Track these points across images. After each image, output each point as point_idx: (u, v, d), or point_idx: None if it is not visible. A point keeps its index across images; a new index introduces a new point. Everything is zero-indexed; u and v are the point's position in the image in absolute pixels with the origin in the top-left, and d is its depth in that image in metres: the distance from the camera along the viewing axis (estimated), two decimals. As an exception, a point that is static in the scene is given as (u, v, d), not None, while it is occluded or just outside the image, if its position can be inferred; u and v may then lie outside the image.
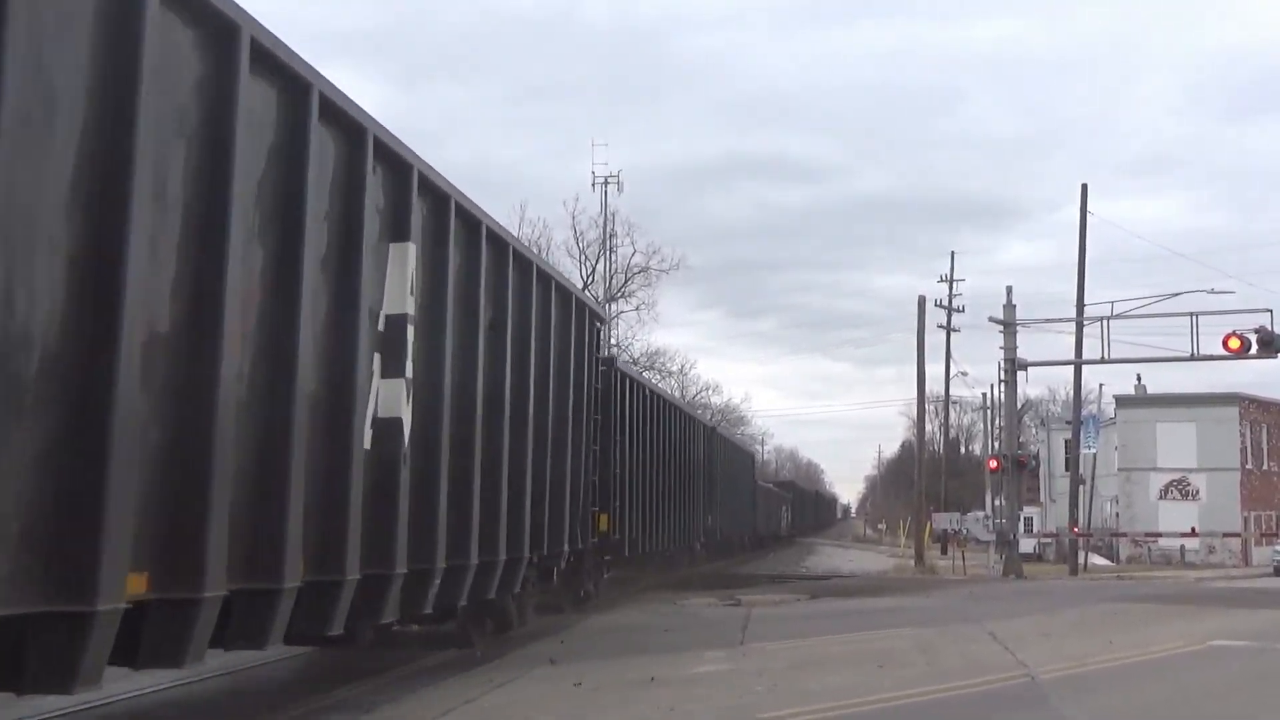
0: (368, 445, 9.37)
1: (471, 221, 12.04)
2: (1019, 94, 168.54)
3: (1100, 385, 63.21)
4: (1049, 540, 53.20)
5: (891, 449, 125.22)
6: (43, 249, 5.75)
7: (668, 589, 27.65)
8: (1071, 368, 41.97)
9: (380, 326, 9.71)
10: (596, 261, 54.96)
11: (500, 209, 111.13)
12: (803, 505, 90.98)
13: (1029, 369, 38.71)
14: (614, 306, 55.30)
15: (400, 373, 9.94)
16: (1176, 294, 35.99)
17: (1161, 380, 58.79)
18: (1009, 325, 37.53)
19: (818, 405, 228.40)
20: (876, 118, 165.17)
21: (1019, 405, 47.18)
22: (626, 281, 55.55)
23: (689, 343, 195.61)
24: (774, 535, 64.81)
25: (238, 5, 7.32)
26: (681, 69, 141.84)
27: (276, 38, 7.91)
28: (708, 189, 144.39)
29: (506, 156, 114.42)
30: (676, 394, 67.17)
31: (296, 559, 8.09)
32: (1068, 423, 50.84)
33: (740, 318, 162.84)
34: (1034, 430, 75.44)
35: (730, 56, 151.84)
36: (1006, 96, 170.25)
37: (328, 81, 8.79)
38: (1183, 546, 50.47)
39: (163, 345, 6.73)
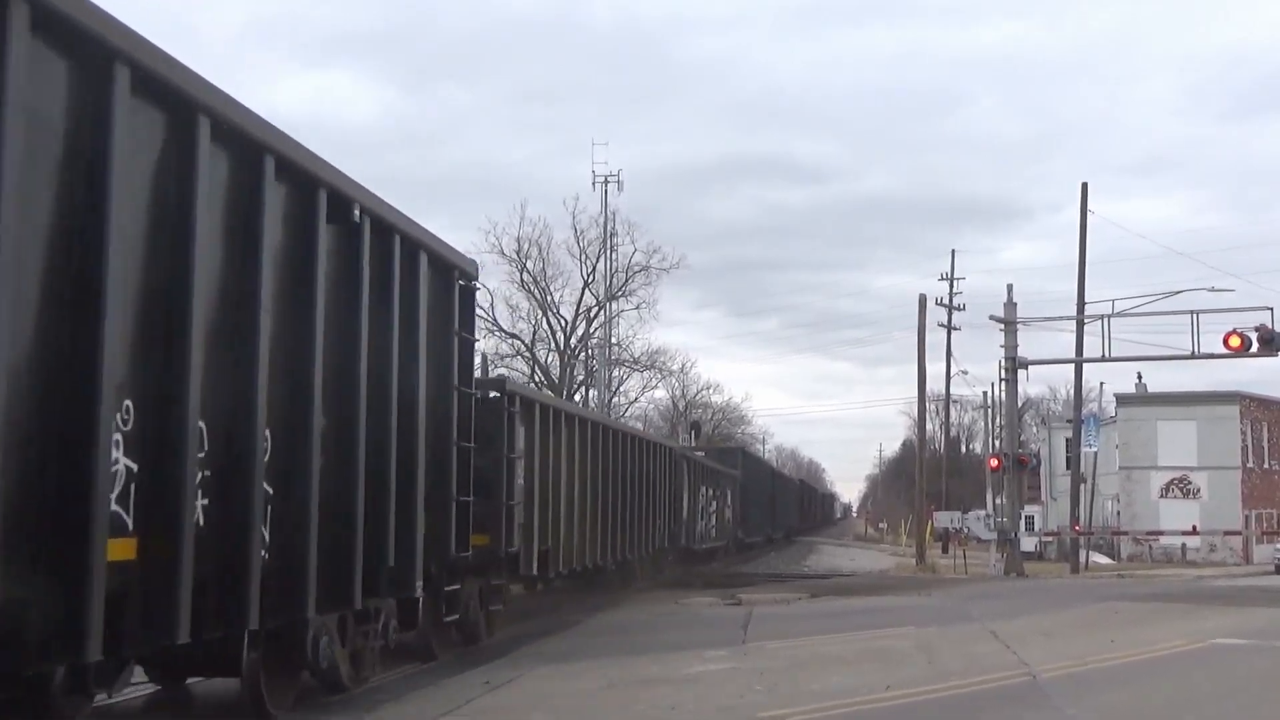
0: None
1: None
2: (1022, 95, 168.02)
3: (1101, 384, 63.20)
4: (1050, 539, 53.13)
5: (893, 448, 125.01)
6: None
7: (669, 588, 27.69)
8: (1072, 366, 41.93)
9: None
10: (597, 260, 54.94)
11: (502, 209, 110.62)
12: (769, 493, 54.54)
13: (1030, 367, 38.70)
14: (615, 305, 55.26)
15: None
16: (1177, 292, 35.97)
17: (1162, 379, 58.54)
18: (1009, 324, 37.52)
19: (819, 405, 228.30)
20: (880, 119, 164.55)
21: (1020, 404, 47.22)
22: (627, 280, 55.47)
23: (690, 342, 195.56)
24: (667, 549, 30.48)
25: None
26: (685, 71, 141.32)
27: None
28: (710, 189, 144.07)
29: (510, 157, 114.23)
30: (678, 392, 67.24)
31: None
32: (1068, 421, 50.80)
33: (742, 317, 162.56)
34: (1035, 429, 75.38)
35: (734, 58, 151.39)
36: (1010, 98, 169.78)
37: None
38: (1184, 545, 50.41)
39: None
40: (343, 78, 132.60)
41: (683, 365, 67.97)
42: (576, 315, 55.66)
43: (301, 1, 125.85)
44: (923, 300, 47.05)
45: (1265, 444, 56.88)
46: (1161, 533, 49.68)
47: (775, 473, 65.80)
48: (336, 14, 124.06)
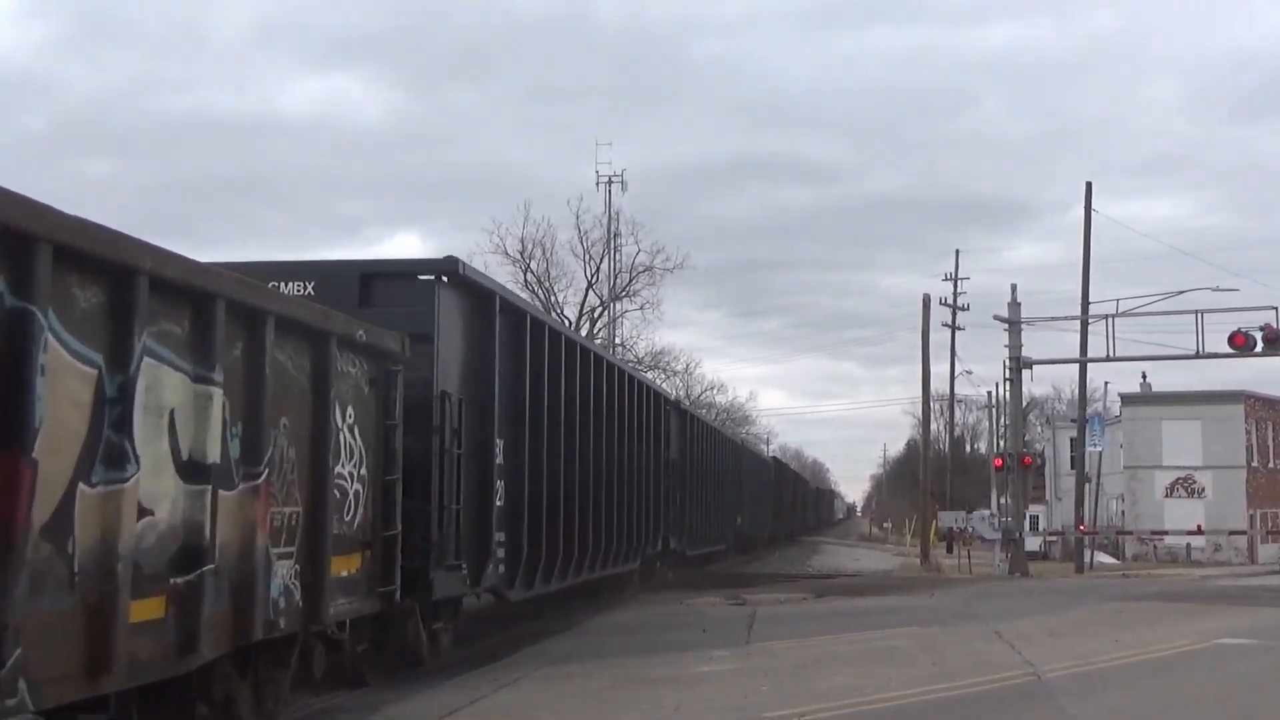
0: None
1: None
2: (1029, 96, 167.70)
3: (1105, 383, 63.09)
4: (1054, 538, 53.01)
5: (897, 448, 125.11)
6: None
7: (673, 588, 27.69)
8: (1077, 366, 41.89)
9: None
10: (601, 261, 54.85)
11: (506, 209, 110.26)
12: (666, 454, 26.64)
13: (1034, 367, 38.67)
14: (618, 306, 55.19)
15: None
16: (1181, 292, 35.94)
17: (1166, 378, 58.26)
18: (1013, 323, 37.49)
19: (824, 405, 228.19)
20: (887, 119, 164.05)
21: (1024, 403, 47.14)
22: (631, 281, 55.36)
23: (694, 342, 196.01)
24: None
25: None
26: (693, 72, 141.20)
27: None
28: (716, 189, 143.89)
29: (517, 158, 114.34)
30: (682, 393, 67.12)
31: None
32: (1073, 421, 50.71)
33: (746, 317, 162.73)
34: (1039, 428, 75.23)
35: (741, 59, 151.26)
36: (1016, 98, 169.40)
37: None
38: (1188, 544, 50.33)
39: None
40: (351, 80, 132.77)
41: (687, 365, 67.53)
42: (580, 316, 55.63)
43: (309, 4, 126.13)
44: (926, 300, 47.09)
45: (1270, 444, 56.77)
46: (1166, 532, 49.59)
47: (700, 423, 35.65)
48: (344, 16, 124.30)
